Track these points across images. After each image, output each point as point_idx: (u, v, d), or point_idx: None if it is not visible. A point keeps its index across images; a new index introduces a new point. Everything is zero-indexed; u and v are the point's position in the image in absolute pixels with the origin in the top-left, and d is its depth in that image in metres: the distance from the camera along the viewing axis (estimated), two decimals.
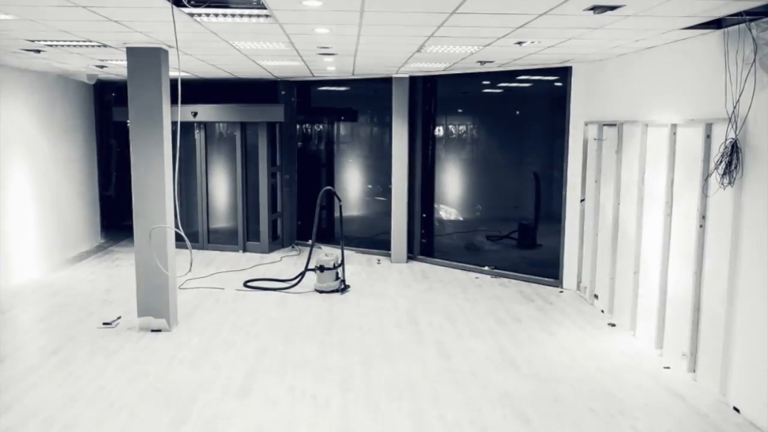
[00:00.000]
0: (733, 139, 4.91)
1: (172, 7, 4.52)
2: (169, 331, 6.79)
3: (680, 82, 5.90)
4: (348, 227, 10.84)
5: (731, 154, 4.90)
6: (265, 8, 4.60)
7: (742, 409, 4.89)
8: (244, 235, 11.18)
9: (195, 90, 10.46)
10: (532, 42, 6.12)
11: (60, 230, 10.11)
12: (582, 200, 8.27)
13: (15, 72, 8.78)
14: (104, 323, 6.94)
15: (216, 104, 10.71)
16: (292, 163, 11.82)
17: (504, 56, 7.34)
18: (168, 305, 6.79)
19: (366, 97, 12.01)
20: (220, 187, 11.50)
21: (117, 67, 8.62)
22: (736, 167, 4.89)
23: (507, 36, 5.75)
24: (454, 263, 10.12)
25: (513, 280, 9.20)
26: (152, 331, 6.77)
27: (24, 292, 8.35)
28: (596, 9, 4.43)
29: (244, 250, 11.13)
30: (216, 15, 4.84)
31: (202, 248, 11.14)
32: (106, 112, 11.84)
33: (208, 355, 6.13)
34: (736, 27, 4.89)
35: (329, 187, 9.84)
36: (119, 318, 7.11)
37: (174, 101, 6.57)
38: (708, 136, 5.34)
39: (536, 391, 5.35)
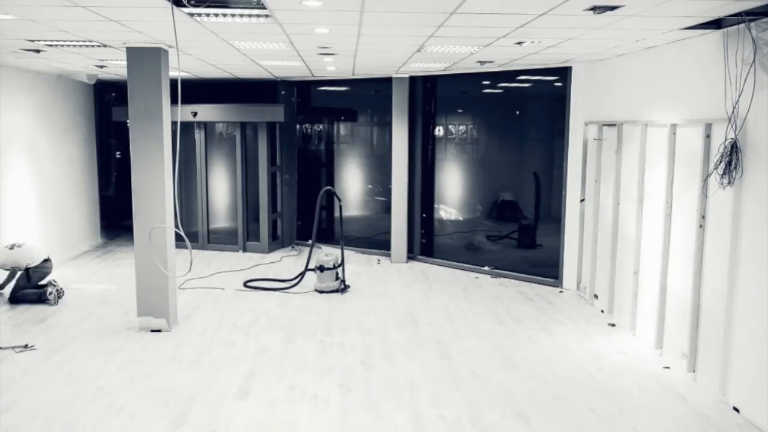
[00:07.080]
0: (732, 139, 4.91)
1: (172, 7, 4.52)
2: (168, 331, 6.79)
3: (680, 82, 5.90)
4: (348, 227, 10.85)
5: (731, 154, 4.90)
6: (265, 8, 4.61)
7: (742, 409, 4.89)
8: (244, 235, 11.17)
9: (195, 90, 10.48)
10: (532, 42, 6.12)
11: (60, 230, 10.11)
12: (582, 200, 8.27)
13: (15, 72, 8.79)
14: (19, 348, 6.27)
15: (216, 104, 10.71)
16: (292, 163, 11.82)
17: (504, 56, 7.34)
18: (168, 305, 6.79)
19: (366, 97, 12.03)
20: (220, 187, 11.50)
21: (117, 67, 8.62)
22: (735, 167, 4.89)
23: (507, 36, 5.75)
24: (454, 263, 10.11)
25: (513, 280, 9.20)
26: (152, 331, 6.77)
27: None
28: (596, 9, 4.43)
29: (244, 250, 11.12)
30: (216, 15, 4.85)
31: (202, 248, 11.14)
32: (106, 112, 11.84)
33: (208, 355, 6.13)
34: (735, 27, 4.89)
35: (329, 187, 9.84)
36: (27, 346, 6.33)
37: (174, 101, 6.57)
38: (707, 136, 5.34)
39: (536, 391, 5.35)
